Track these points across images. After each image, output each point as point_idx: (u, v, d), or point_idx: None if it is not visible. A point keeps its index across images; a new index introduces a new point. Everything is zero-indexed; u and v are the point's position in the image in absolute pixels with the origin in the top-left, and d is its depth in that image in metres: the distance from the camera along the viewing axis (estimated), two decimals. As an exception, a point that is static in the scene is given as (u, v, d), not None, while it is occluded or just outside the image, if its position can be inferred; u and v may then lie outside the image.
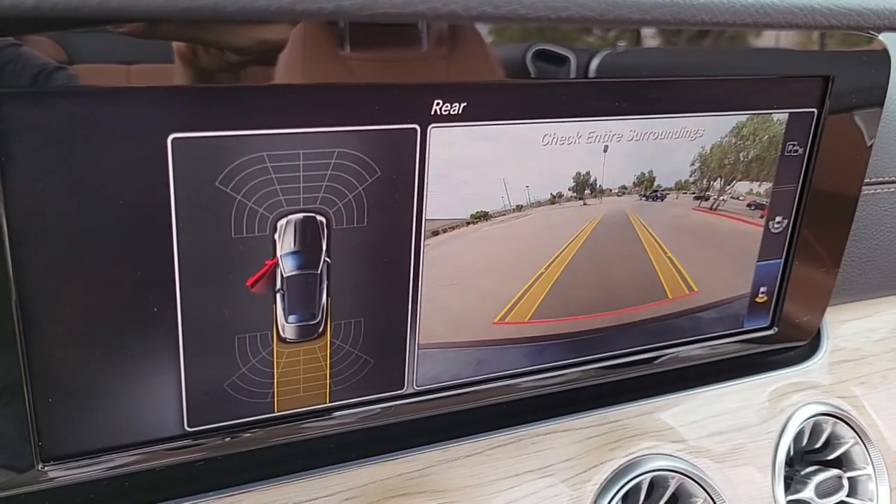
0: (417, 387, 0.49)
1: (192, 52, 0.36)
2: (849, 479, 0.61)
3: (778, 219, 0.58)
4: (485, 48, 0.42)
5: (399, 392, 0.48)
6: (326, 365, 0.45)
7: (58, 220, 0.36)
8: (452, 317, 0.48)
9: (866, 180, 0.65)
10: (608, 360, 0.54)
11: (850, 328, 0.68)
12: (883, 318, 0.70)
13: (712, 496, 0.54)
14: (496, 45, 0.42)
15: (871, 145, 0.58)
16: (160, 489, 0.43)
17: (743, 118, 0.53)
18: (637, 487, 0.53)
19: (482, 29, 0.41)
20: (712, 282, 0.57)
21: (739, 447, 0.57)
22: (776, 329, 0.61)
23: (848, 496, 0.61)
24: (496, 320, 0.50)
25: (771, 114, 0.54)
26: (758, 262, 0.59)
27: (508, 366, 0.51)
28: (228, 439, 0.44)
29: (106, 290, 0.38)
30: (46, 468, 0.40)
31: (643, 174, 0.51)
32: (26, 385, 0.38)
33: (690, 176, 0.53)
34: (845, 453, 0.62)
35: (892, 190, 0.67)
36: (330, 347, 0.45)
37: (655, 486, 0.54)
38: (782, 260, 0.60)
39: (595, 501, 0.51)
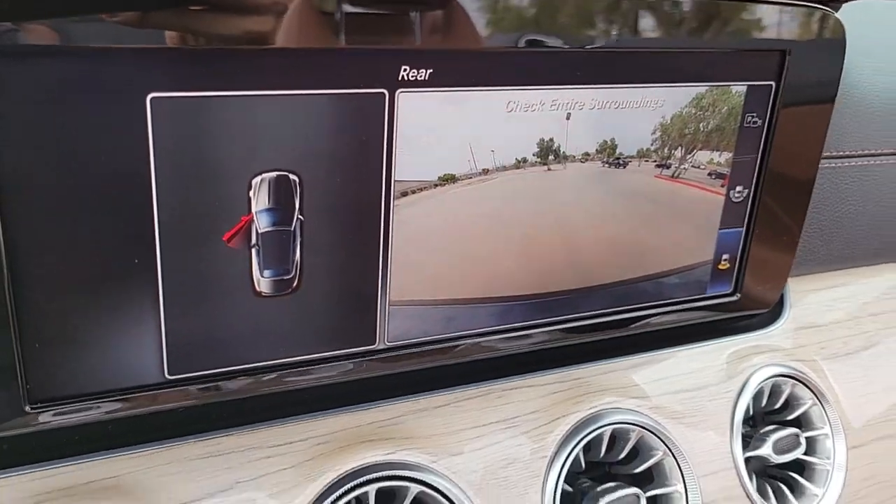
0: (389, 342, 0.51)
1: (171, 15, 0.38)
2: (807, 438, 0.64)
3: (739, 188, 0.61)
4: (451, 16, 0.44)
5: (371, 347, 0.51)
6: (300, 319, 0.48)
7: (42, 175, 0.38)
8: (422, 275, 0.51)
9: (828, 154, 0.68)
10: (573, 321, 0.57)
11: (813, 297, 0.70)
12: (847, 289, 0.73)
13: (672, 450, 0.57)
14: (463, 14, 0.44)
15: (829, 119, 0.60)
16: (143, 432, 0.46)
17: (702, 89, 0.55)
18: (599, 439, 0.55)
19: (449, -2, 0.44)
20: (675, 248, 0.59)
21: (699, 405, 0.60)
22: (739, 295, 0.63)
23: (806, 454, 0.64)
24: (464, 280, 0.52)
25: (730, 86, 0.57)
26: (720, 230, 0.61)
27: (477, 324, 0.54)
28: (206, 387, 0.46)
29: (89, 243, 0.41)
30: (34, 410, 0.42)
31: (605, 142, 0.54)
32: (14, 332, 0.41)
33: (652, 144, 0.55)
34: (804, 414, 0.65)
35: (853, 164, 0.69)
36: (303, 302, 0.47)
37: (617, 439, 0.57)
38: (744, 228, 0.62)
39: (557, 451, 0.53)
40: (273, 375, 0.48)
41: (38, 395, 0.43)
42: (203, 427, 0.47)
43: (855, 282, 0.73)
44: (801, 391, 0.64)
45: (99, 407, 0.44)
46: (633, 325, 0.59)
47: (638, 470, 0.57)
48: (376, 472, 0.48)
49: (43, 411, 0.43)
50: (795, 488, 0.64)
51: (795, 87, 0.58)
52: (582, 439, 0.54)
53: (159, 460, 0.45)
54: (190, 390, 0.46)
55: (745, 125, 0.59)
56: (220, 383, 0.46)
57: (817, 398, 0.64)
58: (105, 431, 0.45)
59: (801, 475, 0.64)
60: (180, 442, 0.46)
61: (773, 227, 0.62)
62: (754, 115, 0.59)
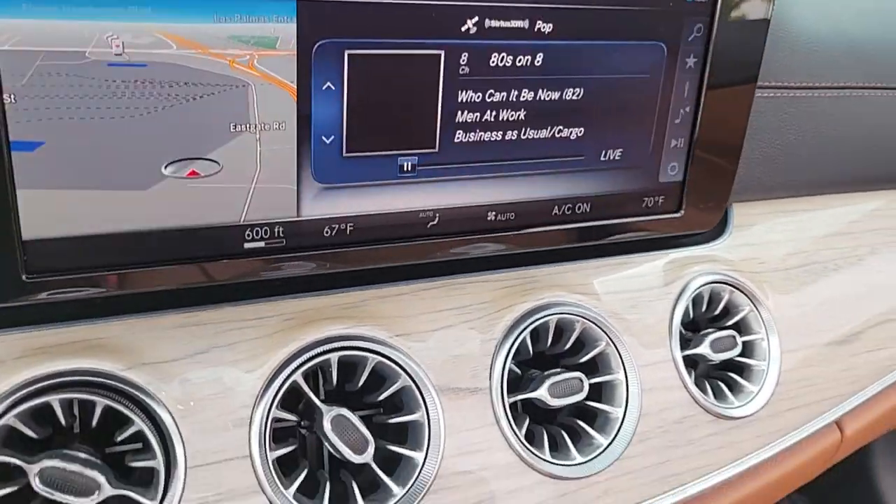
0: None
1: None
2: (744, 342, 0.69)
3: (681, 111, 0.66)
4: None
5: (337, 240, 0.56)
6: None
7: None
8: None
9: (768, 84, 0.73)
10: (525, 228, 0.61)
11: (756, 220, 0.75)
12: (788, 216, 0.78)
13: (614, 341, 0.62)
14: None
15: (763, 40, 0.65)
16: (128, 304, 0.51)
17: (640, 11, 0.61)
18: (545, 328, 0.61)
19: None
20: (619, 166, 0.65)
21: (641, 304, 0.65)
22: (683, 212, 0.68)
23: (745, 357, 0.69)
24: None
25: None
26: (664, 149, 0.66)
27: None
28: (186, 269, 0.51)
29: (82, 128, 0.46)
30: (30, 279, 0.47)
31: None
32: (13, 207, 0.46)
33: (596, 62, 0.61)
34: (742, 319, 0.70)
35: (792, 95, 0.74)
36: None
37: (563, 331, 0.62)
38: (686, 148, 0.67)
39: (505, 335, 0.59)
40: (249, 264, 0.52)
41: (34, 266, 0.48)
42: (182, 303, 0.52)
43: (797, 209, 0.78)
44: (739, 298, 0.69)
45: (88, 280, 0.49)
46: (581, 238, 0.64)
47: (583, 360, 0.62)
48: (339, 342, 0.53)
49: (37, 279, 0.47)
50: (733, 387, 0.69)
51: (728, 15, 0.63)
52: (529, 325, 0.59)
53: (142, 327, 0.50)
54: (172, 271, 0.50)
55: (684, 48, 0.64)
56: (199, 266, 0.51)
57: (754, 304, 0.69)
58: (92, 302, 0.50)
59: (739, 376, 0.69)
60: (162, 314, 0.51)
61: (714, 147, 0.67)
62: (692, 38, 0.64)
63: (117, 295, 0.50)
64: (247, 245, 0.54)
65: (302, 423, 0.56)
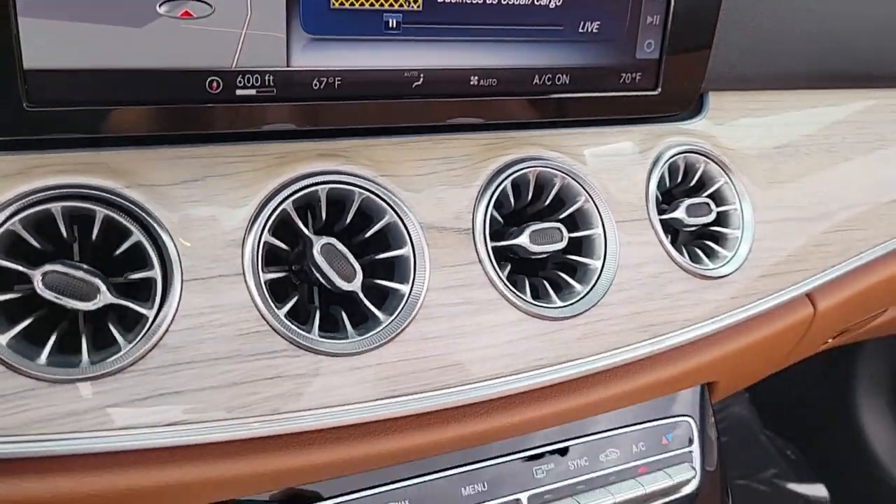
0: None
1: None
2: (719, 212, 0.71)
3: (657, -10, 0.68)
4: None
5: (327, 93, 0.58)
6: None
7: None
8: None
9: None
10: (505, 94, 0.64)
11: (732, 107, 0.78)
12: (763, 104, 0.80)
13: (592, 197, 0.64)
14: None
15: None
16: (125, 140, 0.53)
17: None
18: (525, 181, 0.63)
19: None
20: (596, 39, 0.67)
21: (618, 167, 0.67)
22: (660, 90, 0.71)
23: (719, 226, 0.72)
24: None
25: None
26: (640, 24, 0.69)
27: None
28: (184, 114, 0.53)
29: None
30: (32, 108, 0.49)
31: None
32: (15, 35, 0.48)
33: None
34: (717, 191, 0.73)
35: (763, -19, 0.77)
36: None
37: (544, 187, 0.65)
38: (661, 25, 0.69)
39: (488, 182, 0.61)
40: (237, 113, 0.55)
41: (36, 96, 0.50)
42: (180, 141, 0.54)
43: (772, 99, 0.81)
44: (714, 169, 0.72)
45: (86, 114, 0.51)
46: (559, 109, 0.66)
47: (563, 216, 0.65)
48: (328, 175, 0.55)
49: (39, 111, 0.50)
50: (710, 255, 0.72)
51: None
52: (511, 174, 0.61)
53: (139, 157, 0.53)
54: (166, 111, 0.53)
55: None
56: (191, 109, 0.53)
57: (728, 176, 0.72)
58: (92, 139, 0.52)
59: (714, 243, 0.72)
60: (157, 148, 0.54)
61: (688, 25, 0.69)
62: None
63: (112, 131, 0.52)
64: (238, 92, 0.56)
65: (293, 267, 0.58)
